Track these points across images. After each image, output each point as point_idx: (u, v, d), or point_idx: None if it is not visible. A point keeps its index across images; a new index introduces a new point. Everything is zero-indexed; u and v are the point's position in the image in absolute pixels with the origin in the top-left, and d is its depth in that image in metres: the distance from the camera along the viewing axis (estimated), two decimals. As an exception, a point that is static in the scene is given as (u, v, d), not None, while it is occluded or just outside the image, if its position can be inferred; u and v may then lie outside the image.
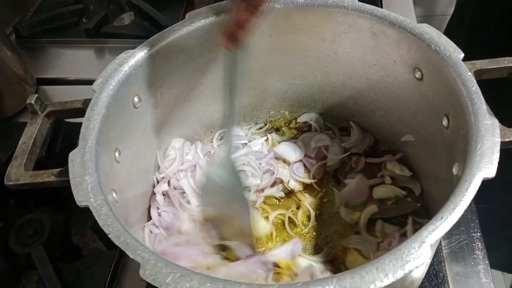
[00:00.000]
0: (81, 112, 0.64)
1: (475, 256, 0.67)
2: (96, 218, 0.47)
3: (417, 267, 0.40)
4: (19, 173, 0.57)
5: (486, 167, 0.46)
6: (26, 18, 1.20)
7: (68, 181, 0.52)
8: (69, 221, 0.74)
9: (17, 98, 0.98)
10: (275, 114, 0.87)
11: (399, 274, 0.39)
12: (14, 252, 0.68)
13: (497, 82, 0.63)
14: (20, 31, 1.14)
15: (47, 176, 0.56)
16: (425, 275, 0.65)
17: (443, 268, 0.66)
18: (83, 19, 1.19)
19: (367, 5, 0.66)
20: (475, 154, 0.48)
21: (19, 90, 0.98)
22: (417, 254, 0.40)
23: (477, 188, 0.45)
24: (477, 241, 0.69)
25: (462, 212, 0.43)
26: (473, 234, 0.69)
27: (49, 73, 1.06)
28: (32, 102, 0.63)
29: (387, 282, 0.39)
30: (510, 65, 0.60)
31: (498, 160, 0.47)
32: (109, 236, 0.45)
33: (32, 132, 0.62)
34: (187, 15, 0.68)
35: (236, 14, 0.54)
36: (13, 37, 1.15)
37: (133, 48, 0.65)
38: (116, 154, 0.61)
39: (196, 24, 0.68)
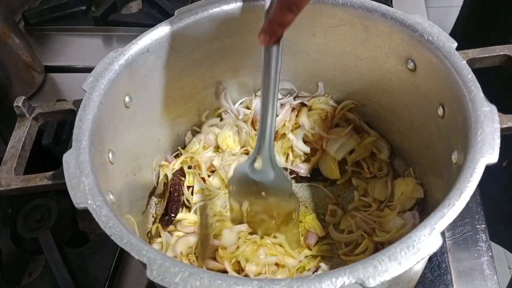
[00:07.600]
0: (70, 113, 0.63)
1: (478, 247, 0.67)
2: (97, 220, 0.45)
3: (429, 254, 0.40)
4: (9, 178, 0.55)
5: (488, 153, 0.47)
6: (35, 6, 1.19)
7: (63, 184, 0.50)
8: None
9: (25, 85, 0.97)
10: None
11: (412, 261, 0.39)
12: (22, 237, 0.69)
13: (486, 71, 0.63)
14: (28, 19, 1.14)
15: (40, 180, 0.54)
16: (428, 266, 0.65)
17: (446, 259, 0.66)
18: (91, 7, 1.19)
19: (357, -2, 0.66)
20: (476, 140, 0.48)
21: (27, 77, 0.97)
22: (428, 241, 0.40)
23: (481, 174, 0.45)
24: (481, 233, 0.69)
25: (468, 198, 0.44)
26: (478, 226, 0.69)
27: (57, 61, 1.06)
28: (19, 104, 0.61)
29: (400, 270, 0.39)
30: (502, 53, 0.61)
31: (499, 145, 0.47)
32: (112, 237, 0.44)
33: (21, 135, 0.59)
34: (176, 12, 0.67)
35: (277, 13, 0.54)
36: (22, 24, 1.14)
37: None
38: (110, 155, 0.59)
39: (185, 21, 0.67)
